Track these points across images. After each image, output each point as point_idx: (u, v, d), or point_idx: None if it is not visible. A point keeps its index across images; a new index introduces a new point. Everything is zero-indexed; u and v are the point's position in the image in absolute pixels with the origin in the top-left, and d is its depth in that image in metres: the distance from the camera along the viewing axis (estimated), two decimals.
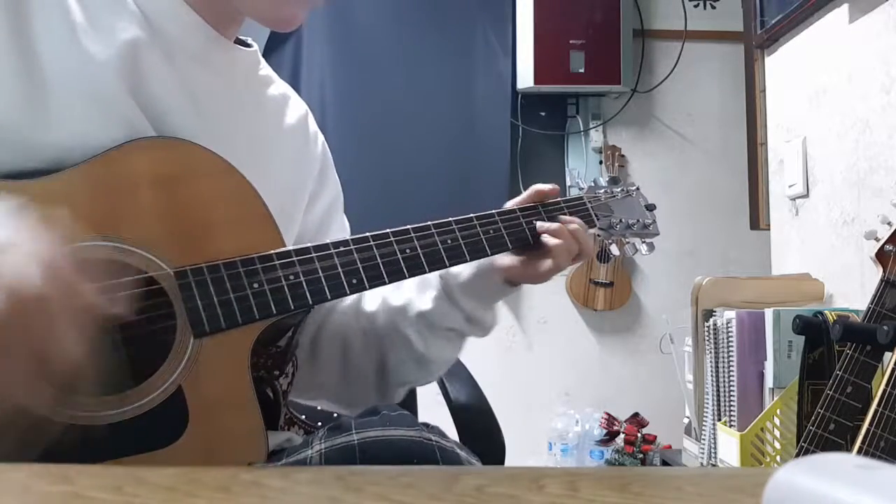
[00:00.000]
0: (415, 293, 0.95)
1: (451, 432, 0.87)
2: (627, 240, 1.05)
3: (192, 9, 0.83)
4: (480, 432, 1.21)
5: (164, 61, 0.80)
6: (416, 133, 2.99)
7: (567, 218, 0.94)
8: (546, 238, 0.91)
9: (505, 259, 0.92)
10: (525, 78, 3.03)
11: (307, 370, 0.96)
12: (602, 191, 1.04)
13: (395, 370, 0.96)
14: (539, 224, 0.92)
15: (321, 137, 1.01)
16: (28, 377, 0.58)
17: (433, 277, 0.93)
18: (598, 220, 1.00)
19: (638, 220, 1.04)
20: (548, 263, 0.92)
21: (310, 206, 0.96)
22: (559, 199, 0.97)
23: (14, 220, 0.62)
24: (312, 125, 1.00)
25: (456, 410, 1.23)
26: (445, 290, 0.93)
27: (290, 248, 0.76)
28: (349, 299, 0.97)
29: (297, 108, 0.97)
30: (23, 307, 0.57)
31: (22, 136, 0.71)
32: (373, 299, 0.97)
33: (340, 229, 1.00)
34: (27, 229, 0.61)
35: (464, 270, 0.92)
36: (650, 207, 1.07)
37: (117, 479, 0.51)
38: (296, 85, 2.89)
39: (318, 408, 1.04)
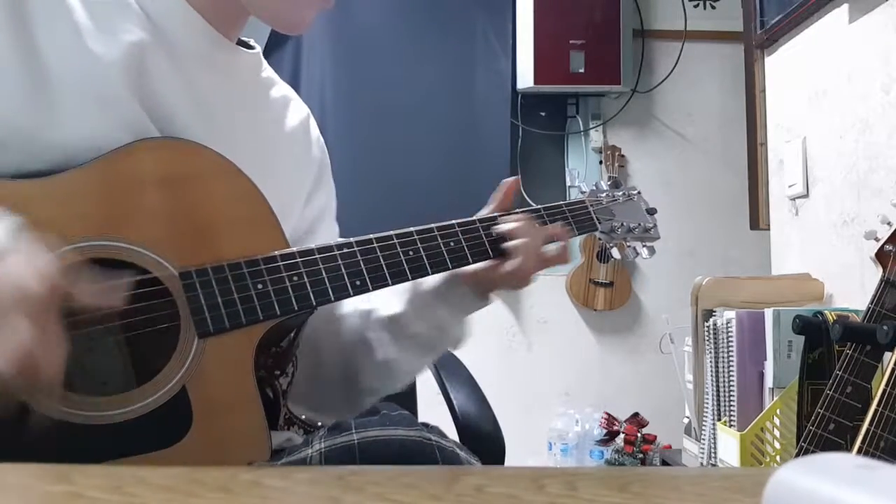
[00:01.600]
0: (386, 298, 0.93)
1: (451, 432, 0.87)
2: (629, 243, 1.06)
3: (195, 10, 0.83)
4: (484, 440, 1.21)
5: (168, 63, 0.80)
6: (415, 133, 2.99)
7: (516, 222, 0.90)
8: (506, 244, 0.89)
9: (468, 267, 0.89)
10: (525, 78, 3.02)
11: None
12: (604, 194, 1.04)
13: (360, 375, 0.96)
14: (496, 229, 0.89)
15: (322, 141, 1.01)
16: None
17: (406, 283, 0.90)
18: (599, 223, 1.00)
19: (639, 224, 1.04)
20: (511, 263, 0.88)
21: (303, 207, 0.96)
22: (561, 202, 0.97)
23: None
24: (314, 129, 1.00)
25: (462, 422, 1.22)
26: (415, 296, 0.92)
27: (293, 249, 0.76)
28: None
29: (298, 111, 0.97)
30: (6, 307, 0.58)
31: (27, 138, 0.71)
32: (347, 303, 0.96)
33: (328, 234, 0.99)
34: (9, 235, 0.62)
35: (436, 277, 0.90)
36: (651, 211, 1.07)
37: (117, 478, 0.51)
38: (296, 85, 2.89)
39: (303, 417, 1.03)
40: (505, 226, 0.89)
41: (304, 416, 0.92)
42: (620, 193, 1.05)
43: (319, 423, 0.94)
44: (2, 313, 0.58)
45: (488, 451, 1.17)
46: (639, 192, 1.08)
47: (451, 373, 1.29)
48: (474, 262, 0.87)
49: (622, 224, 1.03)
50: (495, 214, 0.90)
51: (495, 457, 1.18)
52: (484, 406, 1.25)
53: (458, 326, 0.94)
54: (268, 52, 2.98)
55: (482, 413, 1.24)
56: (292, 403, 0.95)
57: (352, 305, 0.96)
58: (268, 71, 0.95)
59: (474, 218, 0.89)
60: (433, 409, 1.24)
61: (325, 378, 0.96)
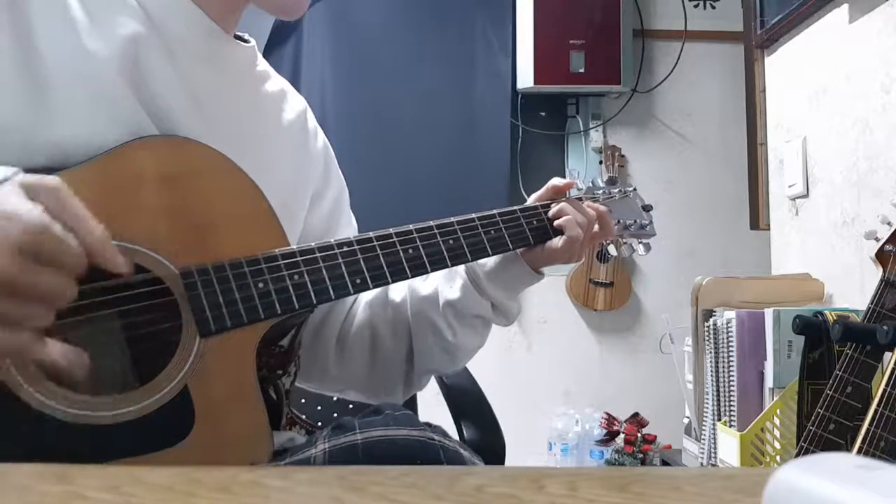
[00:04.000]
0: (442, 282, 0.97)
1: (451, 432, 0.87)
2: (625, 240, 1.06)
3: (192, 2, 0.83)
4: (484, 440, 1.21)
5: (165, 57, 0.80)
6: (416, 133, 2.99)
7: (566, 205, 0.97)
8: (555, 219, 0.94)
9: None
10: (525, 78, 3.02)
11: (335, 364, 0.98)
12: (600, 191, 1.05)
13: (422, 358, 0.98)
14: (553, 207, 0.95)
15: (321, 133, 1.01)
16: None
17: (459, 267, 0.95)
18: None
19: (635, 221, 1.05)
20: (563, 239, 0.93)
21: (316, 204, 0.96)
22: (559, 199, 0.98)
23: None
24: (312, 120, 1.00)
25: (462, 422, 1.23)
26: (472, 280, 0.95)
27: (294, 247, 0.77)
28: (373, 291, 0.98)
29: (295, 104, 0.97)
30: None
31: (25, 135, 0.71)
32: (399, 289, 0.99)
33: (348, 225, 1.01)
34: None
35: (489, 260, 0.94)
36: (647, 208, 1.08)
37: (117, 479, 0.51)
38: (296, 83, 2.87)
39: (335, 399, 1.08)
40: (553, 210, 0.95)
41: (304, 416, 0.93)
42: (616, 190, 1.06)
43: (320, 424, 0.94)
44: None
45: (489, 451, 1.17)
46: (634, 189, 1.09)
47: (451, 373, 1.29)
48: (473, 259, 0.88)
49: (619, 221, 1.03)
50: (495, 211, 0.91)
51: (496, 457, 1.18)
52: (484, 406, 1.25)
53: (513, 303, 0.99)
54: (268, 52, 2.99)
55: (482, 413, 1.24)
56: (345, 392, 1.02)
57: (408, 290, 0.98)
58: (263, 64, 0.95)
59: (473, 216, 0.89)
60: (433, 409, 1.24)
61: (385, 364, 0.99)
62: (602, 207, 0.99)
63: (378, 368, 0.99)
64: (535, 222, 0.93)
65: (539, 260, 0.96)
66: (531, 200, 0.98)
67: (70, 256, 0.61)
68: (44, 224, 0.59)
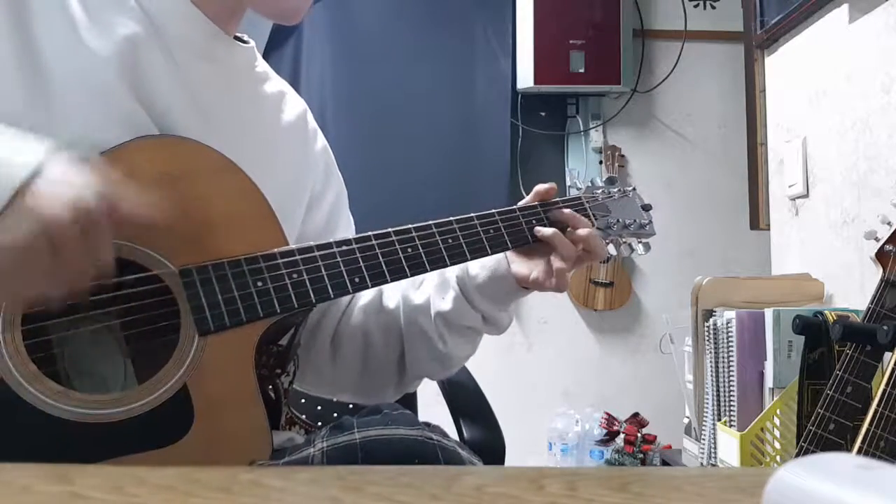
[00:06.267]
0: (434, 293, 0.96)
1: (451, 432, 0.87)
2: (624, 240, 1.06)
3: (192, 4, 0.83)
4: (484, 440, 1.21)
5: (164, 57, 0.80)
6: (415, 133, 2.99)
7: (566, 214, 0.95)
8: (545, 235, 0.92)
9: (515, 265, 0.93)
10: (525, 78, 3.02)
11: (328, 366, 0.98)
12: (599, 191, 1.05)
13: (413, 365, 0.98)
14: (538, 229, 0.92)
15: (321, 134, 1.01)
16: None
17: (451, 278, 0.95)
18: (595, 219, 1.01)
19: (635, 221, 1.05)
20: (555, 262, 0.91)
21: (316, 204, 0.96)
22: (557, 199, 0.98)
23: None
24: (311, 122, 1.00)
25: (462, 422, 1.23)
26: (463, 292, 0.94)
27: (293, 246, 0.77)
28: (369, 294, 0.99)
29: (295, 105, 0.97)
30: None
31: (23, 131, 0.71)
32: (393, 296, 0.99)
33: (347, 226, 1.01)
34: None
35: (480, 273, 0.94)
36: (647, 208, 1.08)
37: (117, 478, 0.51)
38: (296, 84, 2.88)
39: (335, 400, 1.08)
40: (539, 229, 0.92)
41: (335, 414, 0.94)
42: (616, 190, 1.06)
43: (319, 424, 0.94)
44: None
45: (488, 451, 1.17)
46: (634, 189, 1.09)
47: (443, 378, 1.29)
48: (472, 258, 0.88)
49: (618, 220, 1.03)
50: (493, 211, 0.91)
51: (495, 457, 1.18)
52: (484, 406, 1.25)
53: (504, 315, 0.98)
54: (268, 53, 2.98)
55: (482, 413, 1.24)
56: (338, 393, 1.02)
57: (402, 298, 0.98)
58: (262, 65, 0.95)
59: (472, 215, 0.89)
60: (433, 409, 1.24)
61: (377, 369, 0.99)
62: (586, 232, 0.94)
63: (370, 372, 0.99)
64: (534, 221, 0.93)
65: (532, 282, 0.93)
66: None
67: (106, 237, 0.65)
68: (101, 196, 0.64)
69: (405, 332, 0.97)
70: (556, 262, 0.90)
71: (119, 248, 0.69)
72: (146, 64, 0.78)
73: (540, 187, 0.97)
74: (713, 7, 3.18)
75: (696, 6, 3.17)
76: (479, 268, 0.93)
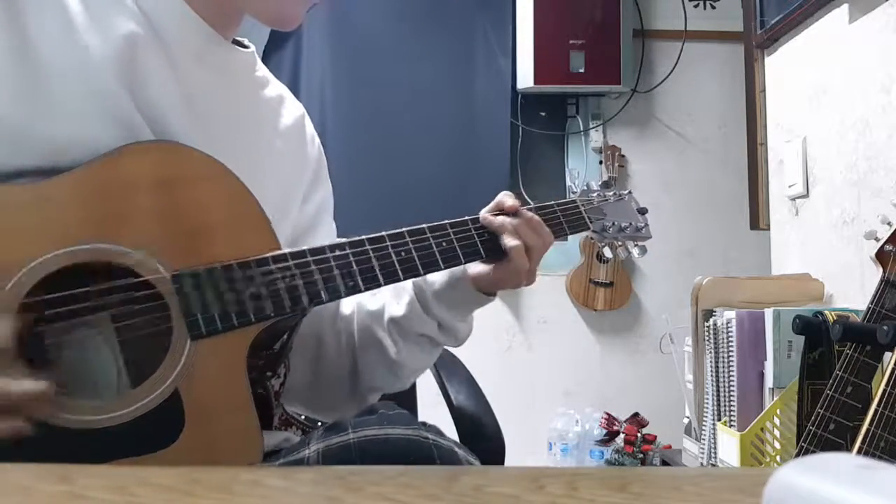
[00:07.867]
0: (389, 298, 0.95)
1: (451, 431, 0.87)
2: (620, 242, 1.06)
3: (191, 8, 0.83)
4: (483, 437, 1.21)
5: (161, 60, 0.80)
6: (415, 133, 2.99)
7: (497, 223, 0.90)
8: (503, 241, 0.89)
9: (474, 267, 0.91)
10: (525, 78, 3.02)
11: None
12: (595, 194, 1.05)
13: (366, 374, 0.96)
14: (482, 216, 0.90)
15: (317, 140, 1.01)
16: None
17: (408, 284, 0.93)
18: (591, 223, 1.01)
19: (630, 224, 1.05)
20: (511, 265, 0.89)
21: (301, 205, 0.96)
22: (552, 202, 0.98)
23: None
24: (309, 127, 1.00)
25: (462, 422, 1.23)
26: (419, 298, 0.93)
27: (285, 251, 0.76)
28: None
29: (293, 110, 0.97)
30: None
31: (19, 132, 0.71)
32: (348, 303, 0.97)
33: (328, 232, 1.00)
34: None
35: (438, 278, 0.92)
36: (642, 211, 1.08)
37: (118, 479, 0.51)
38: (296, 86, 2.89)
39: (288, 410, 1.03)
40: (498, 224, 0.89)
41: (303, 417, 0.92)
42: (611, 193, 1.06)
43: (319, 423, 0.94)
44: None
45: (488, 451, 1.17)
46: (629, 192, 1.09)
47: (451, 373, 1.29)
48: (466, 262, 0.88)
49: (613, 223, 1.03)
50: (467, 218, 0.90)
51: (495, 457, 1.18)
52: (484, 406, 1.25)
53: (461, 324, 0.96)
54: (267, 53, 2.98)
55: (482, 413, 1.24)
56: (291, 404, 0.97)
57: (356, 304, 0.97)
58: (262, 70, 0.95)
59: (466, 218, 0.89)
60: (433, 409, 1.24)
61: (329, 377, 0.97)
62: (529, 214, 0.91)
63: (321, 381, 0.97)
64: (486, 234, 0.90)
65: (489, 284, 0.92)
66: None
67: None
68: None
69: (358, 338, 0.96)
70: (512, 258, 0.88)
71: (111, 255, 0.69)
72: (143, 65, 0.78)
73: (505, 199, 0.92)
74: (713, 7, 3.18)
75: (696, 6, 3.17)
76: (437, 273, 0.90)
